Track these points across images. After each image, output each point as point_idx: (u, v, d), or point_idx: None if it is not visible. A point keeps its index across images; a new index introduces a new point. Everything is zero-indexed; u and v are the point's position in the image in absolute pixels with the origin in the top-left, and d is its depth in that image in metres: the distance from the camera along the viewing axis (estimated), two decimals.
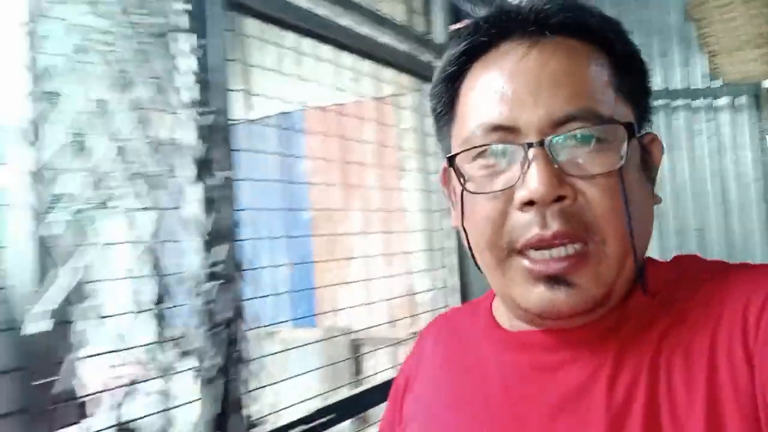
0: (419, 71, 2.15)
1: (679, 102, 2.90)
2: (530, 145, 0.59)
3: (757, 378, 0.52)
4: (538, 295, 0.60)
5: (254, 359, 1.38)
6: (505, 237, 0.61)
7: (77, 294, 0.97)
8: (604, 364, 0.60)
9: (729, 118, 2.85)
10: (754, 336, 0.53)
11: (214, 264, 1.22)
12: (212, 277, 1.24)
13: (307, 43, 1.88)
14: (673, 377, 0.56)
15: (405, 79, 2.20)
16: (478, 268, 0.68)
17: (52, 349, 1.02)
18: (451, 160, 0.65)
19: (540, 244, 0.59)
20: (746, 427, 0.52)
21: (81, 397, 1.07)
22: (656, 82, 2.90)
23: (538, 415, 0.62)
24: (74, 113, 0.99)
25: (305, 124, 2.99)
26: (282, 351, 1.52)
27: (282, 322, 1.41)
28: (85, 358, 1.04)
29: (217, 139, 1.25)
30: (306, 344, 2.04)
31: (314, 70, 1.79)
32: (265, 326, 1.46)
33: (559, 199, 0.58)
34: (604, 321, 0.63)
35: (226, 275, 1.25)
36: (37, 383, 0.99)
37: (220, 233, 1.25)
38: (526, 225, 0.59)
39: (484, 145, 0.62)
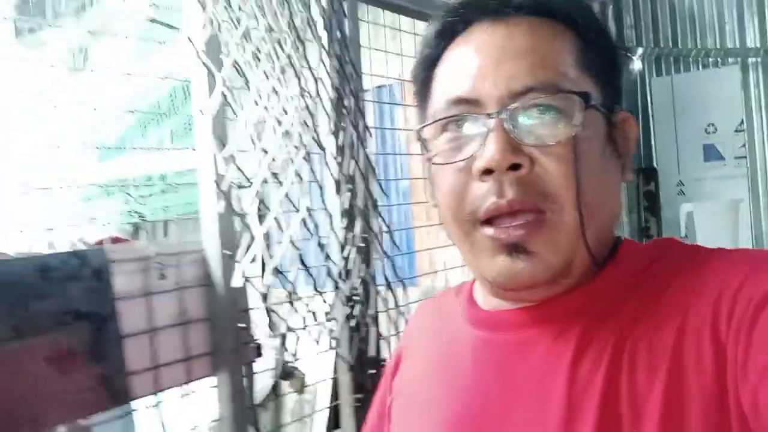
0: None
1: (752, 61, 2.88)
2: (489, 116, 0.60)
3: (730, 373, 0.51)
4: (499, 264, 0.61)
5: (383, 311, 1.59)
6: (468, 208, 0.62)
7: (258, 255, 1.18)
8: (567, 348, 0.60)
9: None
10: (726, 331, 0.53)
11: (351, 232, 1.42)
12: (350, 241, 1.44)
13: (405, 20, 2.04)
14: (636, 366, 0.56)
15: None
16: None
17: (239, 301, 1.24)
18: (419, 134, 0.68)
19: (497, 213, 0.60)
20: (707, 424, 0.52)
21: (256, 340, 1.29)
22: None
23: (500, 394, 0.63)
24: (249, 103, 1.19)
25: (400, 97, 3.15)
26: (413, 302, 1.71)
27: (396, 281, 1.60)
28: (259, 309, 1.25)
29: (352, 119, 1.44)
30: (413, 302, 2.24)
31: (411, 45, 1.95)
32: (384, 284, 1.65)
33: (515, 167, 0.59)
34: (572, 299, 0.63)
35: (363, 240, 1.45)
36: (230, 328, 1.22)
37: (357, 205, 1.44)
38: (485, 194, 0.60)
39: (447, 117, 0.64)
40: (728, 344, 0.52)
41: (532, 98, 0.60)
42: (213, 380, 1.23)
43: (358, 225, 1.44)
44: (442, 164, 0.64)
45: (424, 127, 0.66)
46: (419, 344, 0.80)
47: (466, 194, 0.62)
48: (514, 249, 0.60)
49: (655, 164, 3.17)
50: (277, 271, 1.20)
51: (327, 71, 1.36)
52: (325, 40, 1.39)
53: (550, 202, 0.59)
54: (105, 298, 1.04)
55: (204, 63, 1.14)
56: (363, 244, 1.44)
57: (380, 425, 0.80)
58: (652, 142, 3.18)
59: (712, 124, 3.04)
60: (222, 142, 1.18)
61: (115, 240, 1.12)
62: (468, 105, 0.62)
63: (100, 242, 1.11)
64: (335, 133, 1.41)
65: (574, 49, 0.63)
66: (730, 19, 2.99)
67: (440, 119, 0.64)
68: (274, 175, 1.22)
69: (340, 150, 1.41)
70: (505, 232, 0.60)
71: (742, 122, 2.95)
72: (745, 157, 2.98)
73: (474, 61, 0.62)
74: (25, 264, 0.97)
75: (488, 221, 0.61)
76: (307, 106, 1.28)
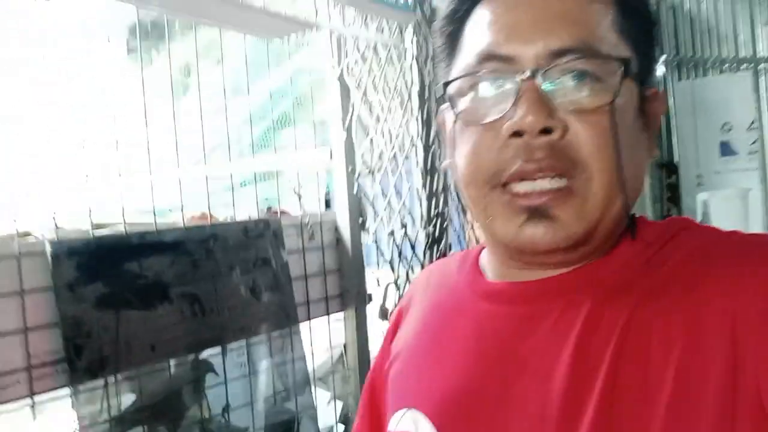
0: None
1: None
2: (523, 76, 0.57)
3: (750, 368, 0.49)
4: (519, 227, 0.59)
5: None
6: (492, 169, 0.59)
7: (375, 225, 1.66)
8: (575, 323, 0.58)
9: None
10: (747, 329, 0.50)
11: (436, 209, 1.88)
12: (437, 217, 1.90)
13: None
14: (647, 346, 0.53)
15: None
16: (463, 209, 0.70)
17: (360, 258, 1.72)
18: (445, 90, 0.64)
19: (523, 176, 0.58)
20: (718, 409, 0.49)
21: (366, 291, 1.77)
22: None
23: (502, 369, 0.61)
24: (359, 106, 1.67)
25: None
26: None
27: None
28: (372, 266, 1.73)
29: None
30: None
31: None
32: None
33: (547, 131, 0.56)
34: (584, 273, 0.61)
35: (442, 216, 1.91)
36: (354, 277, 1.69)
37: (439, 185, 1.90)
38: (512, 157, 0.58)
39: (478, 73, 0.61)
40: (749, 342, 0.49)
41: (570, 60, 0.57)
42: (341, 315, 1.71)
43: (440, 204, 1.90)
44: (469, 123, 0.61)
45: (452, 81, 0.63)
46: (421, 310, 0.77)
47: (490, 155, 0.59)
48: (536, 213, 0.58)
49: (676, 159, 3.57)
50: (390, 236, 1.67)
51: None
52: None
53: (580, 170, 0.57)
54: (280, 250, 1.52)
55: (345, 82, 1.62)
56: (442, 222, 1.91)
57: (371, 399, 0.80)
58: (675, 140, 3.58)
59: (728, 123, 3.43)
60: (351, 142, 1.66)
61: (278, 212, 1.60)
62: (501, 62, 0.59)
63: (274, 213, 1.58)
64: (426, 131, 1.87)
65: (615, 14, 0.60)
66: (743, 30, 3.38)
67: (471, 74, 0.61)
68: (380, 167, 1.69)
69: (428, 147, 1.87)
70: (527, 197, 0.58)
71: (754, 121, 3.34)
72: (757, 152, 3.37)
73: (510, 18, 0.60)
74: (236, 226, 1.45)
75: (509, 183, 0.59)
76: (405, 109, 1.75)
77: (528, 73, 0.57)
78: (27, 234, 1.09)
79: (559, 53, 0.57)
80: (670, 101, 3.57)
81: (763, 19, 3.28)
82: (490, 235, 0.64)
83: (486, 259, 0.72)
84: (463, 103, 0.63)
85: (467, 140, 0.62)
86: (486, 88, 0.61)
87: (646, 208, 3.37)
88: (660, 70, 3.60)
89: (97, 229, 1.13)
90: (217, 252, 1.37)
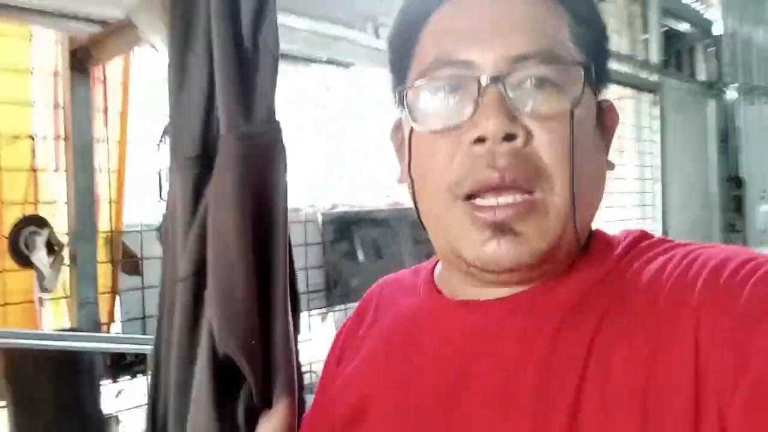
0: (637, 85, 3.26)
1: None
2: (484, 81, 0.54)
3: (711, 384, 0.47)
4: (482, 244, 0.55)
5: None
6: (454, 178, 0.56)
7: None
8: (538, 344, 0.55)
9: None
10: (709, 343, 0.48)
11: None
12: None
13: None
14: (610, 368, 0.51)
15: (627, 91, 3.30)
16: (421, 224, 0.64)
17: None
18: (402, 98, 0.61)
19: (487, 186, 0.54)
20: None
21: None
22: None
23: (458, 392, 0.57)
24: None
25: None
26: None
27: None
28: None
29: None
30: None
31: None
32: None
33: (510, 137, 0.53)
34: (543, 290, 0.58)
35: None
36: None
37: None
38: (474, 165, 0.54)
39: (437, 79, 0.57)
40: (711, 356, 0.47)
41: (531, 66, 0.54)
42: None
43: None
44: (428, 131, 0.58)
45: (410, 88, 0.60)
46: (374, 330, 0.73)
47: (452, 164, 0.56)
48: (499, 229, 0.55)
49: (743, 174, 4.03)
50: None
51: None
52: None
53: (544, 180, 0.54)
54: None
55: None
56: None
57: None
58: (742, 158, 4.03)
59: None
60: None
61: None
62: (461, 67, 0.56)
63: None
64: None
65: (569, 24, 0.58)
66: None
67: (429, 79, 0.58)
68: None
69: None
70: (491, 211, 0.54)
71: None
72: None
73: (468, 24, 0.57)
74: (399, 212, 2.07)
75: (471, 197, 0.55)
76: None
77: (489, 79, 0.54)
78: (297, 209, 1.73)
79: (519, 59, 0.55)
80: (741, 123, 4.03)
81: None
82: (452, 253, 0.59)
83: (441, 276, 0.68)
84: (421, 110, 0.59)
85: (426, 149, 0.58)
86: (445, 94, 0.57)
87: (713, 217, 3.84)
88: (731, 95, 4.06)
89: (343, 208, 1.78)
90: (401, 227, 1.99)
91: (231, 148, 0.96)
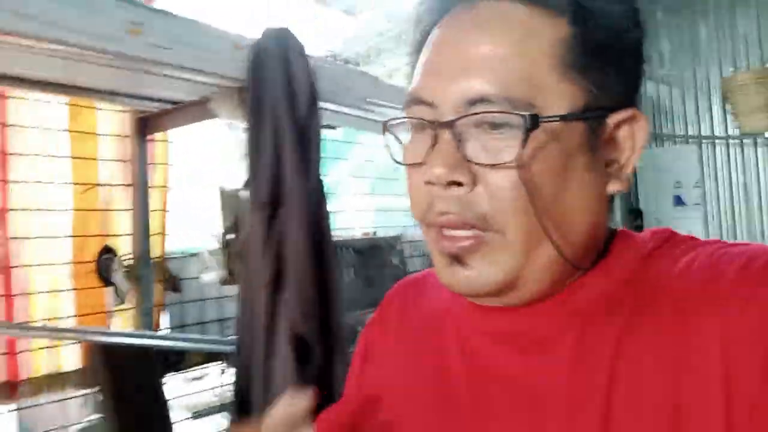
0: None
1: (717, 141, 4.46)
2: (439, 125, 0.55)
3: (738, 408, 0.47)
4: (443, 269, 0.58)
5: None
6: (421, 208, 0.58)
7: None
8: (563, 349, 0.56)
9: (744, 153, 4.36)
10: (739, 364, 0.48)
11: None
12: None
13: None
14: (639, 374, 0.52)
15: None
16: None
17: None
18: (384, 131, 0.63)
19: (440, 225, 0.57)
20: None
21: None
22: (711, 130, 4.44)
23: (487, 394, 0.59)
24: None
25: None
26: None
27: None
28: None
29: None
30: None
31: None
32: None
33: (454, 184, 0.54)
34: (567, 294, 0.59)
35: None
36: None
37: None
38: (430, 203, 0.57)
39: (405, 118, 0.60)
40: (741, 359, 0.48)
41: (483, 111, 0.53)
42: None
43: None
44: (401, 163, 0.60)
45: (391, 124, 0.62)
46: (401, 325, 0.74)
47: (419, 197, 0.58)
48: (455, 259, 0.56)
49: (641, 207, 4.73)
50: None
51: None
52: None
53: (489, 223, 0.54)
54: (403, 258, 2.62)
55: None
56: None
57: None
58: (640, 193, 4.74)
59: (679, 182, 4.59)
60: None
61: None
62: (424, 106, 0.57)
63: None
64: None
65: (560, 43, 0.54)
66: (690, 112, 4.54)
67: (402, 118, 0.61)
68: None
69: None
70: (445, 241, 0.56)
71: (697, 181, 4.50)
72: (700, 204, 4.53)
73: (438, 59, 0.57)
74: (375, 241, 2.55)
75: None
76: None
77: (443, 122, 0.54)
78: None
79: (474, 101, 0.53)
80: (639, 163, 4.71)
81: (705, 105, 4.45)
82: None
83: None
84: (396, 145, 0.62)
85: (407, 177, 0.60)
86: (414, 131, 0.60)
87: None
88: None
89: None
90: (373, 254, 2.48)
91: (298, 196, 1.44)
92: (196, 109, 1.67)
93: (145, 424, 1.65)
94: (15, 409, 1.71)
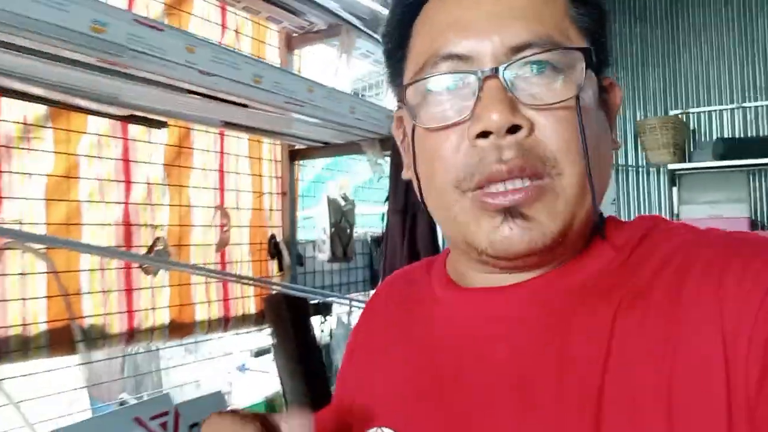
0: None
1: (630, 169, 5.68)
2: (484, 74, 0.54)
3: (740, 394, 0.46)
4: (494, 230, 0.56)
5: None
6: (460, 174, 0.56)
7: None
8: (554, 332, 0.55)
9: (650, 179, 5.54)
10: (739, 346, 0.47)
11: None
12: None
13: None
14: (634, 354, 0.51)
15: None
16: (429, 218, 0.65)
17: None
18: (401, 95, 0.61)
19: (495, 179, 0.54)
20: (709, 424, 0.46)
21: None
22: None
23: (478, 381, 0.58)
24: None
25: None
26: None
27: None
28: None
29: None
30: None
31: None
32: None
33: (514, 129, 0.53)
34: (557, 275, 0.59)
35: None
36: None
37: None
38: (480, 159, 0.55)
39: (436, 74, 0.57)
40: (738, 347, 0.47)
41: (530, 54, 0.54)
42: None
43: None
44: (431, 128, 0.58)
45: (409, 85, 0.59)
46: (388, 318, 0.74)
47: (457, 159, 0.56)
48: (509, 213, 0.55)
49: None
50: None
51: None
52: None
53: (550, 166, 0.54)
54: None
55: None
56: None
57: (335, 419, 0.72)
58: None
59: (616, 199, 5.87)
60: None
61: None
62: (459, 61, 0.56)
63: None
64: None
65: (567, 7, 0.58)
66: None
67: (428, 76, 0.57)
68: None
69: None
70: (501, 196, 0.54)
71: (614, 199, 5.74)
72: (615, 216, 5.79)
73: (462, 15, 0.56)
74: None
75: (480, 187, 0.56)
76: None
77: (488, 71, 0.54)
78: (357, 233, 3.17)
79: (518, 48, 0.54)
80: None
81: (621, 140, 5.71)
82: (464, 242, 0.59)
83: (453, 266, 0.68)
84: (422, 107, 0.59)
85: (430, 146, 0.58)
86: (445, 90, 0.57)
87: None
88: None
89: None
90: None
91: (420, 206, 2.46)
92: (340, 148, 2.66)
93: (302, 347, 2.56)
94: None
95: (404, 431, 0.61)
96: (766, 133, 5.58)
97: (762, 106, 5.46)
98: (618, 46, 5.02)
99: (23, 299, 1.87)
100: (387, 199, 2.53)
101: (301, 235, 2.95)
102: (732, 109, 5.71)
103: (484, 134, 0.54)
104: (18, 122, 1.85)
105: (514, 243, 0.56)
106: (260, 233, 2.74)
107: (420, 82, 0.58)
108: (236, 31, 2.54)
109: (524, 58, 0.54)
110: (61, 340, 1.94)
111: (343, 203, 2.95)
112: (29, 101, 1.68)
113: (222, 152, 2.56)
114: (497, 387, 0.56)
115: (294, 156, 2.80)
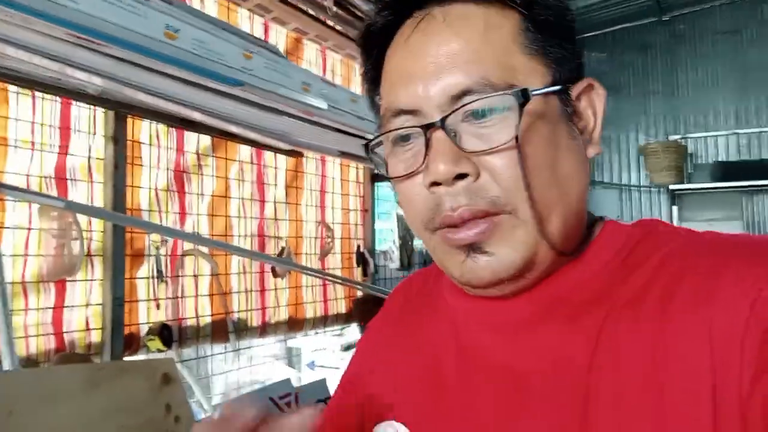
0: None
1: (633, 190, 6.07)
2: (429, 127, 0.56)
3: (731, 395, 0.47)
4: (462, 264, 0.59)
5: None
6: (425, 216, 0.60)
7: None
8: (549, 337, 0.58)
9: (652, 198, 5.58)
10: (730, 354, 0.47)
11: None
12: None
13: None
14: (626, 363, 0.52)
15: None
16: None
17: None
18: (367, 151, 0.64)
19: (451, 224, 0.57)
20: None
21: None
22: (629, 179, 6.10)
23: (484, 383, 0.60)
24: None
25: None
26: None
27: None
28: None
29: None
30: None
31: None
32: None
33: (461, 177, 0.56)
34: (555, 282, 0.60)
35: None
36: None
37: None
38: (437, 205, 0.58)
39: (391, 131, 0.60)
40: (729, 348, 0.47)
41: (468, 102, 0.55)
42: None
43: None
44: (397, 178, 0.61)
45: (371, 142, 0.64)
46: (402, 322, 0.77)
47: (419, 204, 0.60)
48: (471, 249, 0.57)
49: None
50: None
51: None
52: None
53: (501, 206, 0.56)
54: None
55: None
56: None
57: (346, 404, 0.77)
58: None
59: (602, 216, 6.27)
60: None
61: None
62: (409, 116, 0.59)
63: None
64: None
65: (518, 31, 0.58)
66: (614, 161, 6.14)
67: (383, 133, 0.61)
68: None
69: None
70: (461, 233, 0.57)
71: (618, 216, 6.17)
72: None
73: (408, 67, 0.59)
74: None
75: (443, 227, 0.58)
76: None
77: (433, 123, 0.56)
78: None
79: (457, 96, 0.56)
80: None
81: (625, 162, 6.16)
82: (446, 272, 0.63)
83: None
84: (390, 157, 0.62)
85: (402, 191, 0.62)
86: (403, 142, 0.60)
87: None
88: None
89: None
90: None
91: None
92: None
93: None
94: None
95: (413, 426, 0.65)
96: (758, 157, 6.15)
97: (755, 132, 6.01)
98: (623, 75, 5.28)
99: (194, 296, 2.31)
100: None
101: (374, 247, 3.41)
102: (727, 135, 6.26)
103: (435, 184, 0.57)
104: (193, 152, 2.30)
105: (478, 274, 0.58)
106: (348, 244, 3.19)
107: (379, 139, 0.63)
108: (332, 71, 3.01)
109: (463, 106, 0.56)
110: (219, 330, 2.38)
111: None
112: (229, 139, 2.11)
113: (323, 175, 3.02)
114: (495, 390, 0.59)
115: (375, 178, 3.25)
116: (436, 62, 0.57)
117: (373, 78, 0.66)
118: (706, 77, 5.40)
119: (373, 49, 0.64)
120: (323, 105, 1.98)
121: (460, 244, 0.58)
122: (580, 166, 0.61)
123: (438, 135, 0.56)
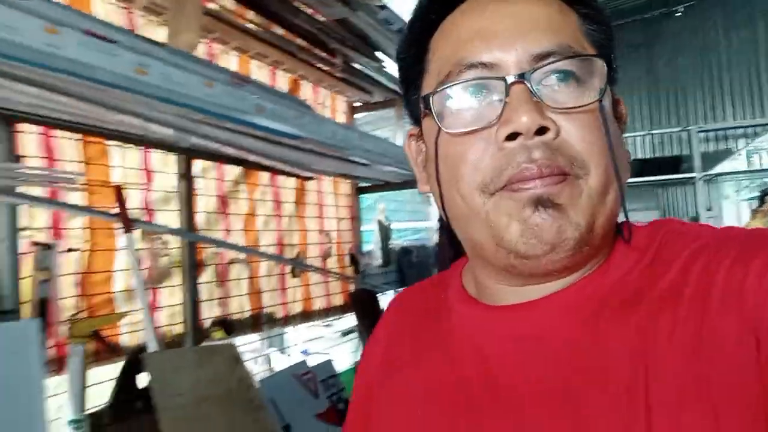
0: None
1: None
2: (511, 80, 0.56)
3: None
4: (527, 220, 0.55)
5: None
6: (487, 177, 0.57)
7: None
8: (590, 344, 0.55)
9: None
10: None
11: None
12: None
13: None
14: (666, 366, 0.51)
15: None
16: (449, 230, 0.65)
17: None
18: (427, 103, 0.60)
19: (525, 177, 0.55)
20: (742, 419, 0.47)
21: None
22: None
23: (525, 399, 0.57)
24: None
25: None
26: None
27: None
28: None
29: None
30: None
31: None
32: None
33: (542, 131, 0.55)
34: (586, 285, 0.59)
35: None
36: None
37: None
38: (508, 161, 0.55)
39: (463, 81, 0.58)
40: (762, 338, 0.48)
41: (553, 61, 0.56)
42: None
43: None
44: (458, 133, 0.58)
45: (434, 94, 0.60)
46: (402, 338, 0.74)
47: (485, 162, 0.57)
48: (541, 202, 0.55)
49: None
50: None
51: None
52: None
53: (578, 167, 0.55)
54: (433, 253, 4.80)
55: None
56: None
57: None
58: None
59: None
60: None
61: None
62: (485, 69, 0.57)
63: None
64: None
65: (580, 24, 0.60)
66: None
67: (455, 83, 0.58)
68: None
69: None
70: (533, 182, 0.55)
71: None
72: None
73: (486, 25, 0.58)
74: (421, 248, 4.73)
75: (505, 186, 0.56)
76: None
77: (514, 77, 0.55)
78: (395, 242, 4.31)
79: (541, 56, 0.56)
80: None
81: None
82: (492, 244, 0.58)
83: (473, 282, 0.68)
84: (449, 114, 0.59)
85: (456, 151, 0.59)
86: (471, 96, 0.58)
87: None
88: None
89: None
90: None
91: None
92: (395, 185, 3.78)
93: (376, 321, 3.64)
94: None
95: None
96: (670, 154, 7.15)
97: (666, 132, 7.02)
98: None
99: (236, 296, 2.91)
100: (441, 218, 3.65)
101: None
102: (643, 135, 7.26)
103: (512, 136, 0.55)
104: (230, 180, 2.91)
105: (542, 234, 0.55)
106: (340, 247, 3.84)
107: (445, 90, 0.59)
108: (322, 104, 3.66)
109: (548, 65, 0.56)
110: (255, 322, 3.00)
111: (385, 223, 4.07)
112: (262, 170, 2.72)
113: (319, 191, 3.66)
114: (544, 404, 0.56)
115: (359, 190, 3.92)
116: (519, 23, 0.58)
117: (422, 39, 0.64)
118: (624, 84, 6.43)
119: (433, 14, 0.63)
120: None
121: (531, 195, 0.55)
122: (627, 157, 0.63)
123: (520, 88, 0.55)
